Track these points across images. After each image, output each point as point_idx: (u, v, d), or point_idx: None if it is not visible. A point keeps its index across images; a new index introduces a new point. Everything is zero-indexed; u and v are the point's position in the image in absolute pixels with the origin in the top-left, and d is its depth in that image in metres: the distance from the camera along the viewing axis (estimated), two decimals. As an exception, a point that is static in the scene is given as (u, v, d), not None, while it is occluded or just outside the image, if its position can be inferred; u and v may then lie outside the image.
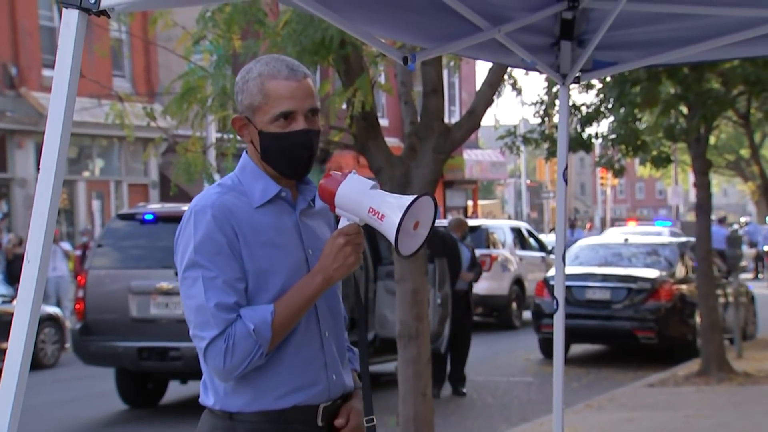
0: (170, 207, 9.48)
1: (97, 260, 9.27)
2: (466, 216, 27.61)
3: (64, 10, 2.02)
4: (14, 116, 17.83)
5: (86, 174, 20.03)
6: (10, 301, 11.33)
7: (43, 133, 2.02)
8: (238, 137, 2.42)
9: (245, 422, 2.21)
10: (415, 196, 2.12)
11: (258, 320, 2.14)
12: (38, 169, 2.03)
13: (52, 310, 12.68)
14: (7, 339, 2.02)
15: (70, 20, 2.01)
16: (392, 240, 2.09)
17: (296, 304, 2.18)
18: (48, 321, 12.12)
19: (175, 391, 9.57)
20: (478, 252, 11.55)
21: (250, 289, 2.20)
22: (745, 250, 24.48)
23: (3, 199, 18.32)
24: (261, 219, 2.24)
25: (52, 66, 2.05)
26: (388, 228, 2.09)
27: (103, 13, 2.02)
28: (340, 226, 2.20)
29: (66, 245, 16.98)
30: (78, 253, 16.88)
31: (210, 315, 2.14)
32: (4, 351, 2.02)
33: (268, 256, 2.21)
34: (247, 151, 2.34)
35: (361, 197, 2.15)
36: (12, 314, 2.03)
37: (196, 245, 2.18)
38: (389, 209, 2.10)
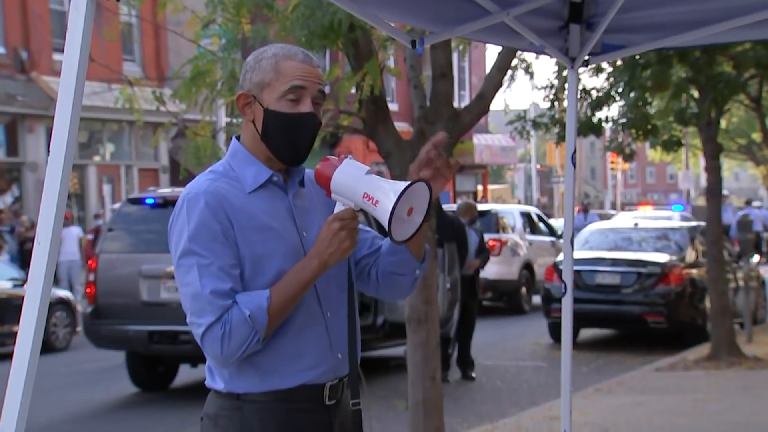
0: (180, 191, 9.50)
1: (108, 244, 9.31)
2: (476, 201, 27.60)
3: (73, -6, 2.02)
4: (25, 100, 17.88)
5: (97, 158, 20.09)
6: (22, 285, 11.40)
7: (54, 117, 2.03)
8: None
9: (253, 402, 2.22)
10: (409, 182, 2.11)
11: (254, 306, 2.15)
12: (49, 152, 2.04)
13: (63, 293, 12.76)
14: (19, 322, 2.04)
15: (79, 4, 2.02)
16: (385, 225, 2.08)
17: (292, 288, 2.19)
18: (60, 304, 12.20)
19: (185, 374, 9.62)
20: (487, 236, 11.55)
21: (247, 275, 2.20)
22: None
23: (14, 183, 18.40)
24: (254, 204, 2.24)
25: (62, 50, 2.05)
26: (382, 214, 2.09)
27: (112, -4, 2.02)
28: (335, 211, 2.21)
29: (76, 229, 17.05)
30: (90, 237, 16.95)
31: (206, 302, 2.15)
32: (17, 334, 2.03)
33: (263, 240, 2.22)
34: (237, 137, 2.34)
35: (356, 182, 2.15)
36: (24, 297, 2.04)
37: (191, 233, 2.18)
38: (383, 194, 2.09)
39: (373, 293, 2.42)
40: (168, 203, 9.00)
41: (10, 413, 1.98)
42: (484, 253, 10.23)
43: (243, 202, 2.23)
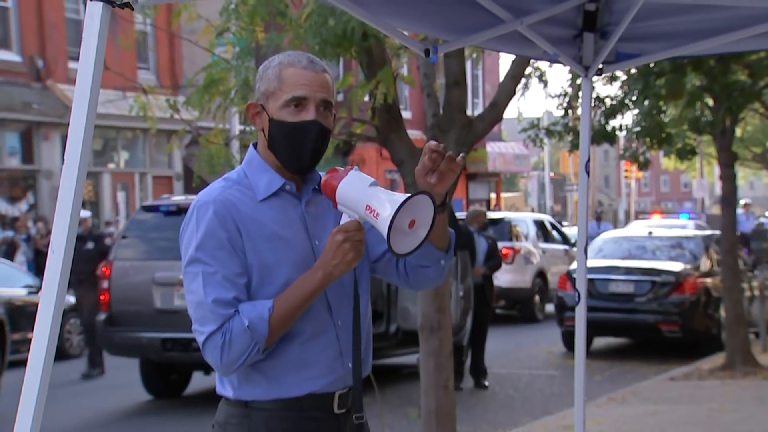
0: (194, 199, 9.52)
1: (122, 252, 9.34)
2: (489, 208, 27.56)
3: (88, 2, 2.03)
4: (41, 108, 17.98)
5: (111, 166, 20.18)
6: (37, 292, 11.44)
7: (69, 125, 2.04)
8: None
9: (261, 410, 2.23)
10: (409, 194, 2.09)
11: (254, 316, 2.15)
12: (64, 160, 2.05)
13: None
14: (33, 329, 2.04)
15: (94, 12, 2.03)
16: (385, 237, 2.07)
17: (295, 300, 2.18)
18: (74, 312, 12.23)
19: (198, 381, 9.64)
20: (500, 245, 11.50)
21: (255, 283, 2.21)
22: None
23: (30, 191, 18.49)
24: (265, 212, 2.24)
25: (78, 58, 2.07)
26: (382, 226, 2.08)
27: (127, 5, 2.04)
28: (341, 222, 2.20)
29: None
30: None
31: (208, 310, 2.17)
32: (32, 341, 2.04)
33: (272, 249, 2.22)
34: (254, 145, 2.35)
35: (360, 194, 2.14)
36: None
37: (198, 241, 2.20)
38: (383, 207, 2.08)
39: (404, 285, 2.41)
40: (182, 211, 9.03)
41: (24, 420, 1.99)
42: (493, 260, 10.16)
43: (253, 210, 2.24)
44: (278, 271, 2.21)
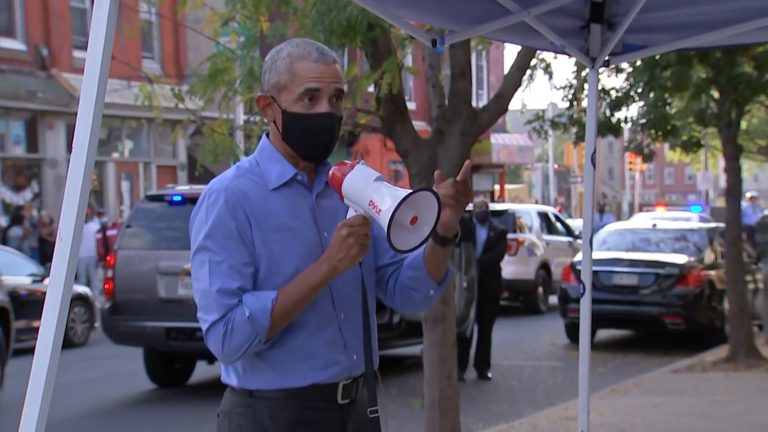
0: (198, 188, 9.54)
1: (126, 241, 9.36)
2: (492, 200, 27.55)
3: (95, -9, 2.03)
4: (45, 97, 17.99)
5: (116, 155, 20.19)
6: (41, 281, 11.47)
7: (74, 114, 2.04)
8: (265, 119, 2.43)
9: (265, 399, 2.24)
10: (413, 190, 2.08)
11: (257, 307, 2.16)
12: (69, 149, 2.06)
13: (82, 289, 12.83)
14: (39, 318, 2.05)
15: (102, 2, 2.03)
16: (386, 232, 2.06)
17: (300, 292, 2.19)
18: (78, 300, 12.27)
19: (202, 370, 9.66)
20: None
21: (262, 273, 2.22)
22: None
23: (34, 180, 18.52)
24: (275, 202, 2.25)
25: (83, 47, 2.07)
26: (383, 221, 2.07)
27: (134, -6, 2.04)
28: (348, 216, 2.20)
29: (95, 225, 17.12)
30: (99, 235, 16.93)
31: (212, 299, 2.18)
32: (37, 329, 2.05)
33: (281, 239, 2.23)
34: (266, 134, 2.36)
35: (364, 189, 2.14)
36: (44, 293, 2.05)
37: (207, 230, 2.21)
38: (384, 201, 2.08)
39: (389, 303, 2.44)
40: (187, 200, 9.04)
41: (32, 408, 2.00)
42: (491, 251, 10.09)
43: (264, 199, 2.25)
44: (286, 261, 2.22)
